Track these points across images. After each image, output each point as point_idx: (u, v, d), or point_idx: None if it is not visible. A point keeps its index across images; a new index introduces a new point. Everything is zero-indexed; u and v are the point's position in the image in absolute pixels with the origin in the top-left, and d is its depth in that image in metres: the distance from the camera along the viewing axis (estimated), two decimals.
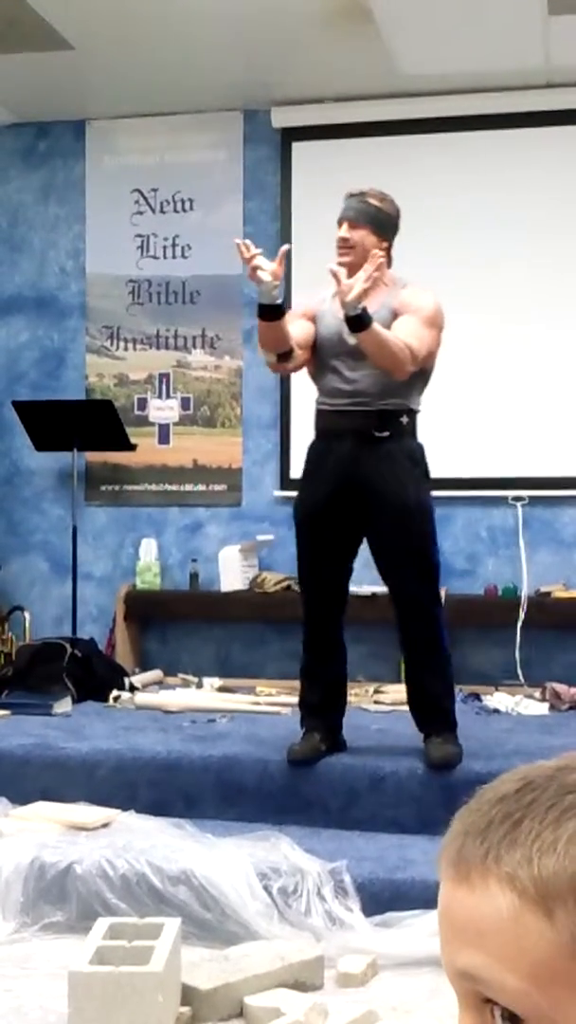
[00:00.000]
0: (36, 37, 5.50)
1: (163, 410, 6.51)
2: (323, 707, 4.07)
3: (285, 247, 3.86)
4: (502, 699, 5.25)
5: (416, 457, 3.99)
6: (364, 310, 3.70)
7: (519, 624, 5.66)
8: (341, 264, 3.86)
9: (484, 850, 0.66)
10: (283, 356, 3.91)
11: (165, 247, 6.50)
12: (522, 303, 6.02)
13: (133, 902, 3.35)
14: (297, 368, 4.09)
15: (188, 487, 6.46)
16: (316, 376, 4.07)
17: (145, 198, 6.52)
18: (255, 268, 3.74)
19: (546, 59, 5.65)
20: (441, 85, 5.94)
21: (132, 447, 6.21)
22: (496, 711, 5.12)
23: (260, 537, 6.25)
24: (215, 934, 3.27)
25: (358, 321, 3.71)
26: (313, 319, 4.06)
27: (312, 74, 5.88)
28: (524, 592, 5.79)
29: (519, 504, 5.96)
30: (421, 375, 3.98)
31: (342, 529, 3.96)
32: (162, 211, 6.50)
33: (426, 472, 4.01)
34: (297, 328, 3.97)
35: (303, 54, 5.64)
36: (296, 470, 6.18)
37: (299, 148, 6.29)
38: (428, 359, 3.96)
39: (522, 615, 5.66)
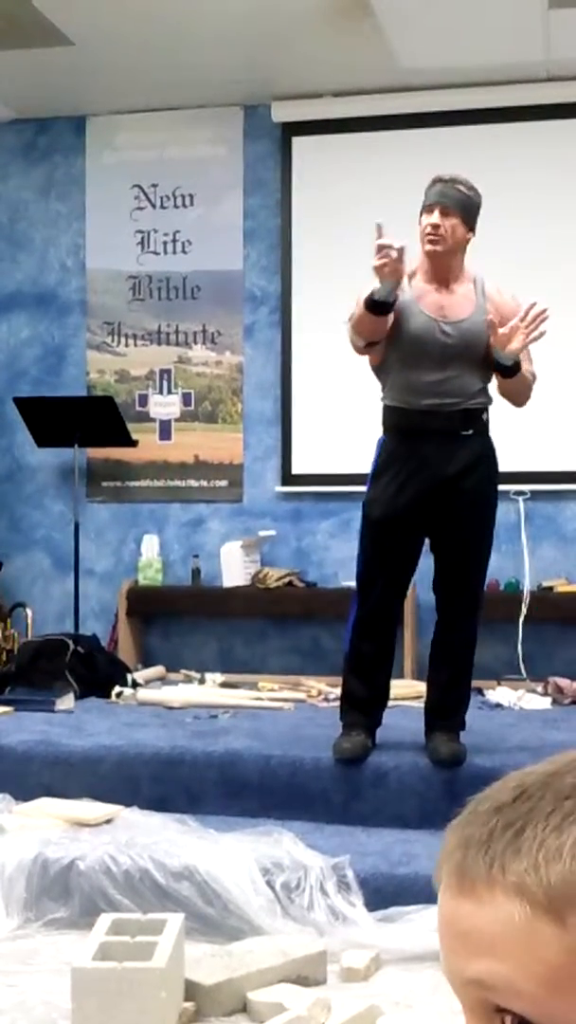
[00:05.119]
0: (36, 33, 5.49)
1: (164, 406, 6.51)
2: (371, 702, 4.05)
3: (403, 244, 3.61)
4: (504, 694, 5.25)
5: (495, 455, 3.99)
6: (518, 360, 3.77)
7: (521, 619, 5.65)
8: (428, 252, 3.77)
9: (488, 861, 0.66)
10: (371, 344, 3.81)
11: (165, 243, 6.49)
12: (523, 295, 5.99)
13: (136, 898, 3.35)
14: (374, 355, 3.93)
15: (189, 483, 6.46)
16: (393, 372, 3.89)
17: (145, 194, 6.51)
18: (390, 263, 3.57)
19: (546, 53, 5.64)
20: (441, 79, 5.92)
21: (133, 443, 6.21)
22: (499, 706, 5.11)
23: (262, 533, 6.25)
24: (218, 930, 3.27)
25: (511, 369, 3.80)
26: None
27: (312, 69, 5.87)
28: (526, 587, 5.79)
29: (521, 498, 5.95)
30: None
31: (421, 528, 3.92)
32: (162, 207, 6.49)
33: (499, 471, 4.02)
34: None
35: (303, 49, 5.63)
36: (297, 466, 6.21)
37: (299, 143, 6.27)
38: None
39: (524, 610, 5.65)
